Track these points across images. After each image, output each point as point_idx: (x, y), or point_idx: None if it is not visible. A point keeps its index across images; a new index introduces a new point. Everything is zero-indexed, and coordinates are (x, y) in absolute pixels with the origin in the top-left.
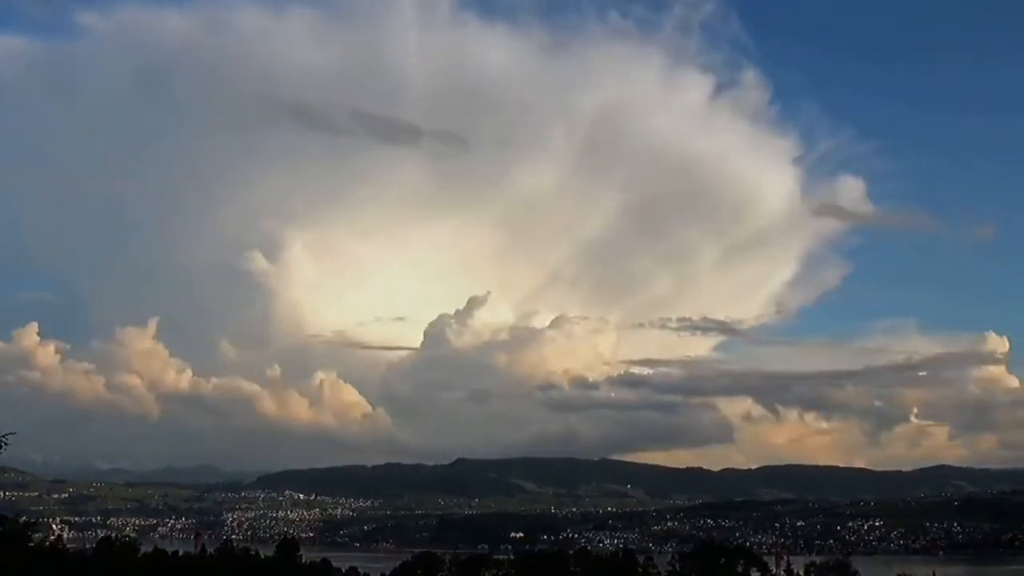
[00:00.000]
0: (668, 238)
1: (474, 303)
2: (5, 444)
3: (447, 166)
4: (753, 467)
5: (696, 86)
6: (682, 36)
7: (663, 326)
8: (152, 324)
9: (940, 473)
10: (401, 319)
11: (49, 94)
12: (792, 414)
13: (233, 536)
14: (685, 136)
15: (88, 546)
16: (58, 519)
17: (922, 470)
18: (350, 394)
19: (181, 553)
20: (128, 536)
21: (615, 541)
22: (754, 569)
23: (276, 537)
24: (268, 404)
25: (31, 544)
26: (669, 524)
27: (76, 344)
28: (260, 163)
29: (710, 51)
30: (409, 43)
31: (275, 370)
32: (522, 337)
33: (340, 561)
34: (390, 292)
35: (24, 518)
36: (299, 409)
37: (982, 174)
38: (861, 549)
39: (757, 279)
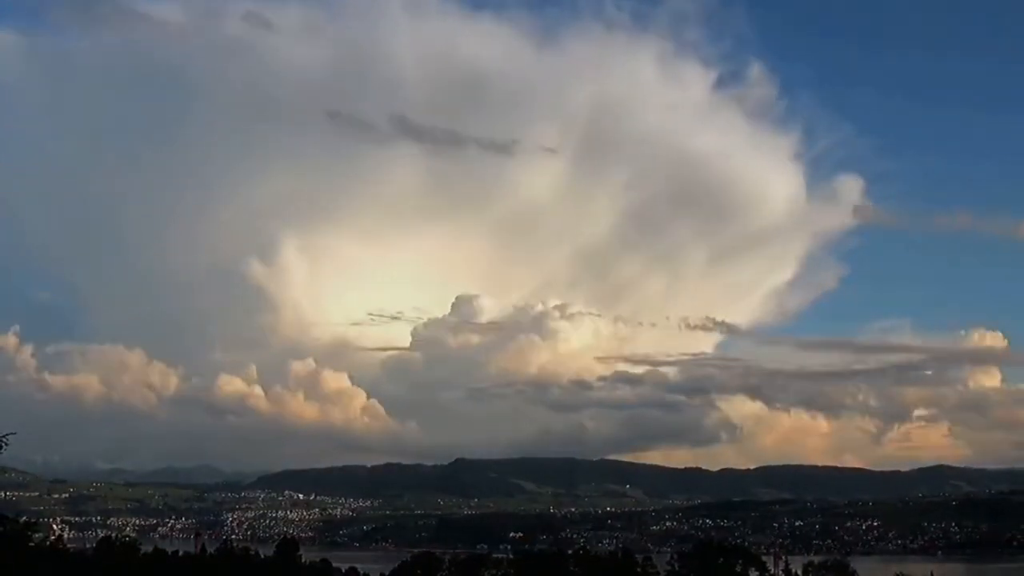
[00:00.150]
0: (664, 237)
1: (473, 301)
2: (5, 444)
3: (441, 165)
4: (751, 467)
5: (695, 81)
6: (680, 29)
7: (662, 326)
8: (152, 324)
9: (938, 473)
10: (398, 319)
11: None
12: (790, 414)
13: (233, 536)
14: (683, 133)
15: (88, 546)
16: (58, 519)
17: (920, 470)
18: (349, 394)
19: (181, 553)
20: (128, 536)
21: (614, 541)
22: (752, 569)
23: (276, 537)
24: (268, 404)
25: (31, 544)
26: (668, 524)
27: (76, 344)
28: (257, 164)
29: (709, 45)
30: (401, 39)
31: (275, 370)
32: (521, 336)
33: (340, 561)
34: (388, 292)
35: (24, 518)
36: (299, 409)
37: (982, 174)
38: (859, 549)
39: (756, 278)
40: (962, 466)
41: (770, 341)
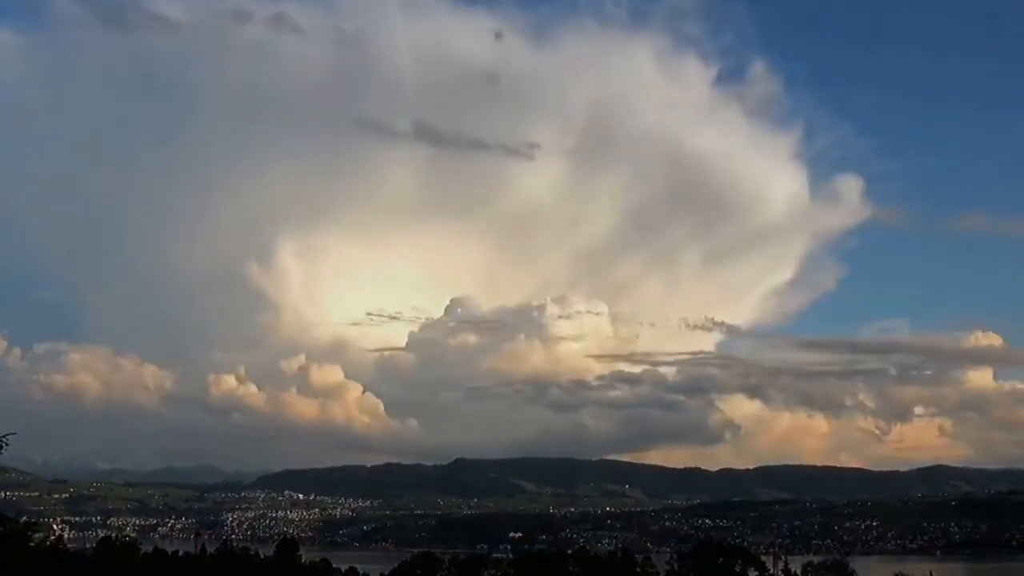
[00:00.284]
0: (664, 236)
1: (471, 301)
2: (6, 444)
3: (437, 164)
4: (751, 467)
5: (695, 77)
6: (679, 24)
7: (661, 325)
8: (152, 324)
9: (937, 473)
10: (397, 319)
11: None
12: (790, 414)
13: (233, 536)
14: (682, 131)
15: (88, 546)
16: (58, 519)
17: (919, 470)
18: (349, 394)
19: (181, 553)
20: (128, 536)
21: (613, 541)
22: (752, 569)
23: (276, 537)
24: (267, 404)
25: (31, 544)
26: (667, 524)
27: (76, 345)
28: (256, 164)
29: (707, 41)
30: (398, 37)
31: (275, 370)
32: (521, 336)
33: (340, 561)
34: (387, 292)
35: (25, 518)
36: (299, 409)
37: (982, 174)
38: (858, 549)
39: (755, 277)
40: (961, 466)
41: (770, 341)
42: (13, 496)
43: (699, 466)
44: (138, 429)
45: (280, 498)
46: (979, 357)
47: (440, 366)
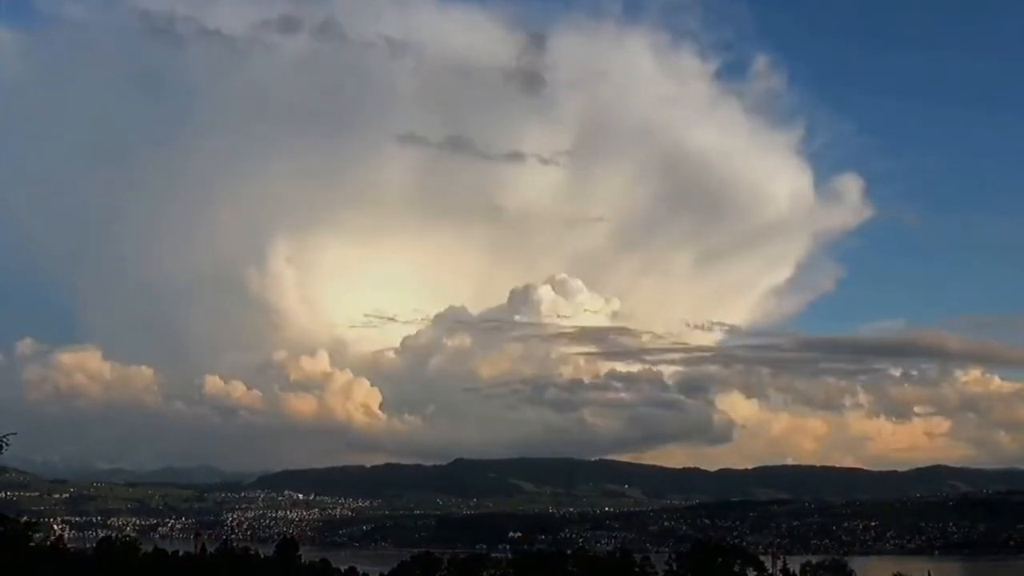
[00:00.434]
0: (663, 236)
1: (469, 301)
2: (6, 444)
3: (435, 164)
4: (750, 467)
5: (694, 74)
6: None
7: (661, 325)
8: (152, 324)
9: (936, 473)
10: (395, 319)
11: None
12: (788, 414)
13: (233, 536)
14: (680, 129)
15: (88, 546)
16: (59, 519)
17: (918, 470)
18: (348, 395)
19: (181, 553)
20: (128, 536)
21: (612, 541)
22: (750, 569)
23: (276, 537)
24: (267, 405)
25: (32, 544)
26: (666, 524)
27: (76, 345)
28: (254, 165)
29: (705, 35)
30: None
31: (274, 370)
32: (519, 336)
33: (339, 561)
34: (385, 293)
35: (25, 518)
36: (298, 410)
37: (982, 174)
38: (857, 549)
39: (755, 277)
40: (959, 466)
41: (769, 340)
42: (13, 496)
43: (698, 466)
44: (138, 429)
45: (280, 498)
46: (978, 357)
47: (439, 366)
